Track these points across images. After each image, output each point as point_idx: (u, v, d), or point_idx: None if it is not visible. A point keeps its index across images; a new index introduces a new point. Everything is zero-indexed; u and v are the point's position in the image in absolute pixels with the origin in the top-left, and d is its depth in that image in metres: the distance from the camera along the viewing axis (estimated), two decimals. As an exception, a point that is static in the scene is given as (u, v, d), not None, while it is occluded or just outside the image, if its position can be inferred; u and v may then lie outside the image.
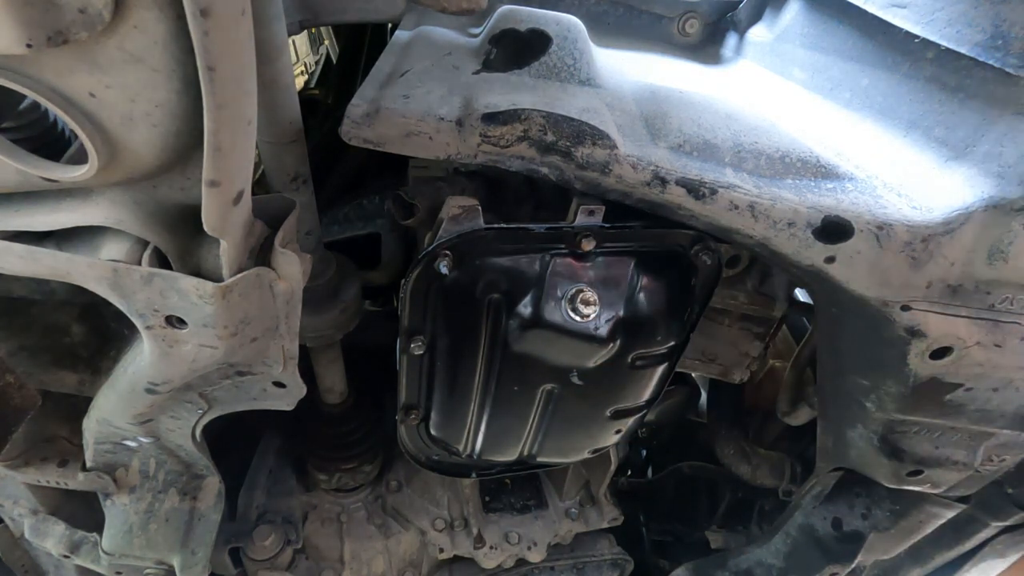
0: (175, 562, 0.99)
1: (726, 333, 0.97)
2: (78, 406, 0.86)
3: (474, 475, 1.06)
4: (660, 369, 0.82)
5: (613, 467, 1.24)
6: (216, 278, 0.55)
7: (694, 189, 0.64)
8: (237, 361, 0.69)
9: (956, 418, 0.78)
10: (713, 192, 0.64)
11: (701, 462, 1.42)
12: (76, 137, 0.49)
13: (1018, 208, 0.60)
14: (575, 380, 0.78)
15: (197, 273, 0.56)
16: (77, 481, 0.91)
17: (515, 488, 1.38)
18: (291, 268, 0.60)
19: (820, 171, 0.67)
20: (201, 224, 0.49)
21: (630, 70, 0.81)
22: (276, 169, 0.72)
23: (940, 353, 0.70)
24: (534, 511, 1.34)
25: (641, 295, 0.73)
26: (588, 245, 0.69)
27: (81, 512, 1.06)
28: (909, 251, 0.64)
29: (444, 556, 1.28)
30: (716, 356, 0.98)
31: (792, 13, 0.90)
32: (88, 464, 0.90)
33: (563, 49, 0.73)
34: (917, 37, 0.68)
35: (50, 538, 1.02)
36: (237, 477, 1.30)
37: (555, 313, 0.70)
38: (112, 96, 0.42)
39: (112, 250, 0.55)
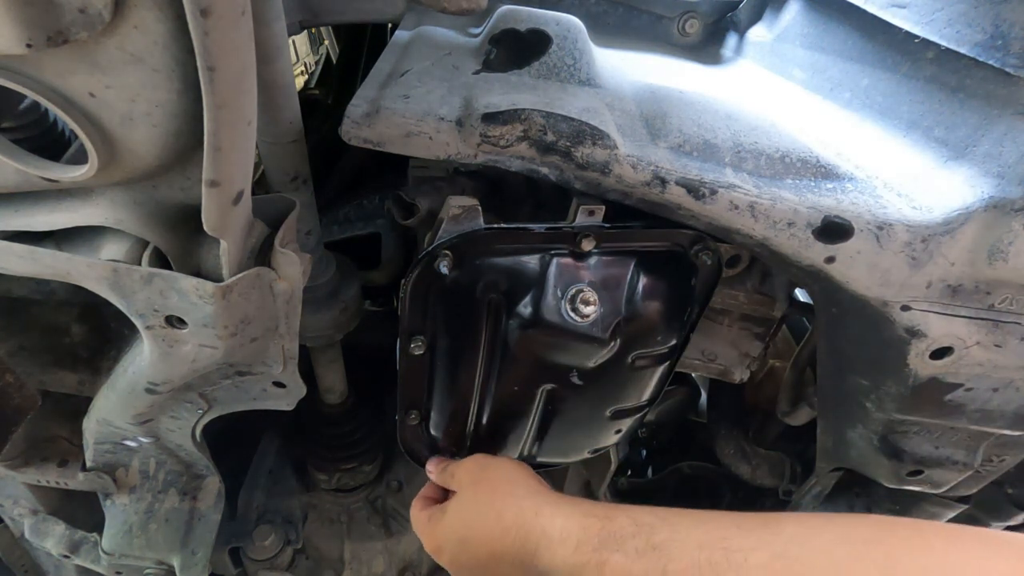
0: (175, 562, 0.99)
1: (726, 333, 0.97)
2: (78, 406, 0.86)
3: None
4: (660, 369, 0.82)
5: (613, 467, 1.23)
6: (216, 278, 0.55)
7: (694, 189, 0.64)
8: (237, 361, 0.69)
9: (956, 418, 0.78)
10: (713, 192, 0.64)
11: (701, 462, 1.42)
12: (76, 137, 0.49)
13: (1018, 208, 0.60)
14: (575, 380, 0.78)
15: (197, 273, 0.56)
16: (77, 481, 0.91)
17: (515, 488, 1.38)
18: (291, 268, 0.60)
19: (820, 171, 0.67)
20: (201, 224, 0.49)
21: (630, 70, 0.81)
22: (276, 169, 0.72)
23: (940, 353, 0.70)
24: (534, 511, 1.33)
25: (641, 295, 0.73)
26: (588, 245, 0.69)
27: (81, 512, 1.06)
28: (909, 251, 0.64)
29: (444, 556, 1.28)
30: (716, 356, 0.98)
31: (792, 13, 0.90)
32: (88, 464, 0.90)
33: (563, 49, 0.73)
34: (917, 37, 0.68)
35: (50, 538, 1.02)
36: (237, 477, 1.30)
37: (555, 313, 0.70)
38: (112, 96, 0.42)
39: (112, 250, 0.55)
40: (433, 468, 0.87)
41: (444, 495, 0.86)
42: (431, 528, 0.77)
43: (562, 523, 0.64)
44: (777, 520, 0.56)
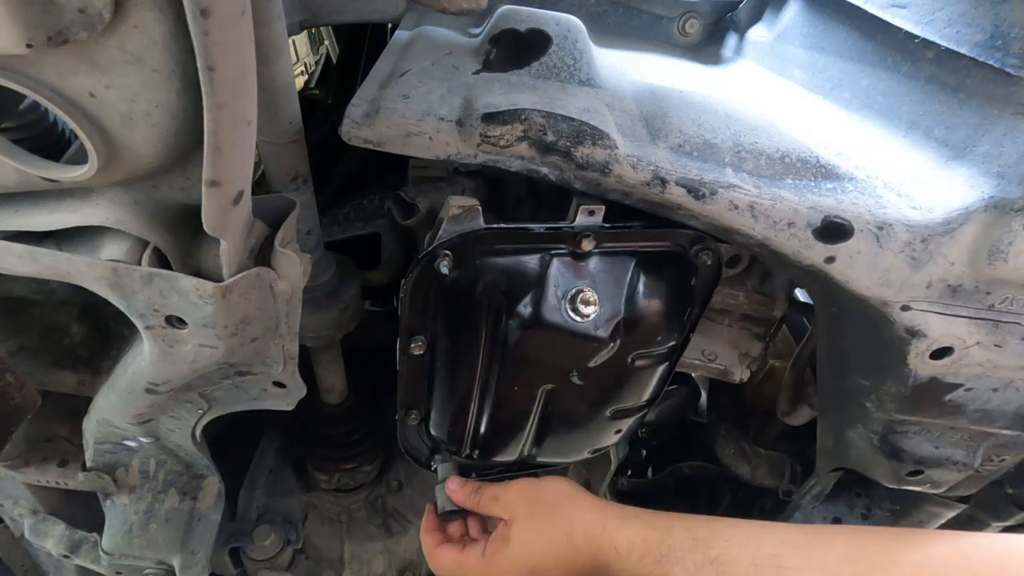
0: (175, 562, 0.99)
1: (726, 333, 0.97)
2: (78, 406, 0.86)
3: (474, 475, 1.06)
4: (660, 369, 0.82)
5: (613, 467, 1.23)
6: (216, 278, 0.55)
7: (694, 189, 0.64)
8: (237, 361, 0.69)
9: (956, 418, 0.78)
10: (713, 192, 0.64)
11: (701, 462, 1.42)
12: (76, 137, 0.49)
13: (1018, 208, 0.60)
14: (575, 380, 0.78)
15: (197, 273, 0.56)
16: (77, 481, 0.91)
17: (515, 488, 1.38)
18: (291, 268, 0.60)
19: (820, 171, 0.67)
20: (201, 224, 0.49)
21: (630, 70, 0.81)
22: (276, 169, 0.72)
23: (940, 353, 0.70)
24: (534, 511, 1.33)
25: (641, 295, 0.73)
26: (588, 245, 0.69)
27: (81, 512, 1.06)
28: (909, 251, 0.64)
29: (444, 556, 1.28)
30: (716, 356, 0.98)
31: (792, 13, 0.90)
32: (88, 464, 0.90)
33: (563, 49, 0.73)
34: (917, 37, 0.68)
35: (50, 538, 1.03)
36: (237, 477, 1.30)
37: (555, 313, 0.70)
38: (112, 96, 0.42)
39: (112, 250, 0.55)
40: (458, 489, 0.81)
41: (443, 526, 0.83)
42: (489, 565, 0.72)
43: (628, 536, 0.66)
44: (826, 538, 0.59)
